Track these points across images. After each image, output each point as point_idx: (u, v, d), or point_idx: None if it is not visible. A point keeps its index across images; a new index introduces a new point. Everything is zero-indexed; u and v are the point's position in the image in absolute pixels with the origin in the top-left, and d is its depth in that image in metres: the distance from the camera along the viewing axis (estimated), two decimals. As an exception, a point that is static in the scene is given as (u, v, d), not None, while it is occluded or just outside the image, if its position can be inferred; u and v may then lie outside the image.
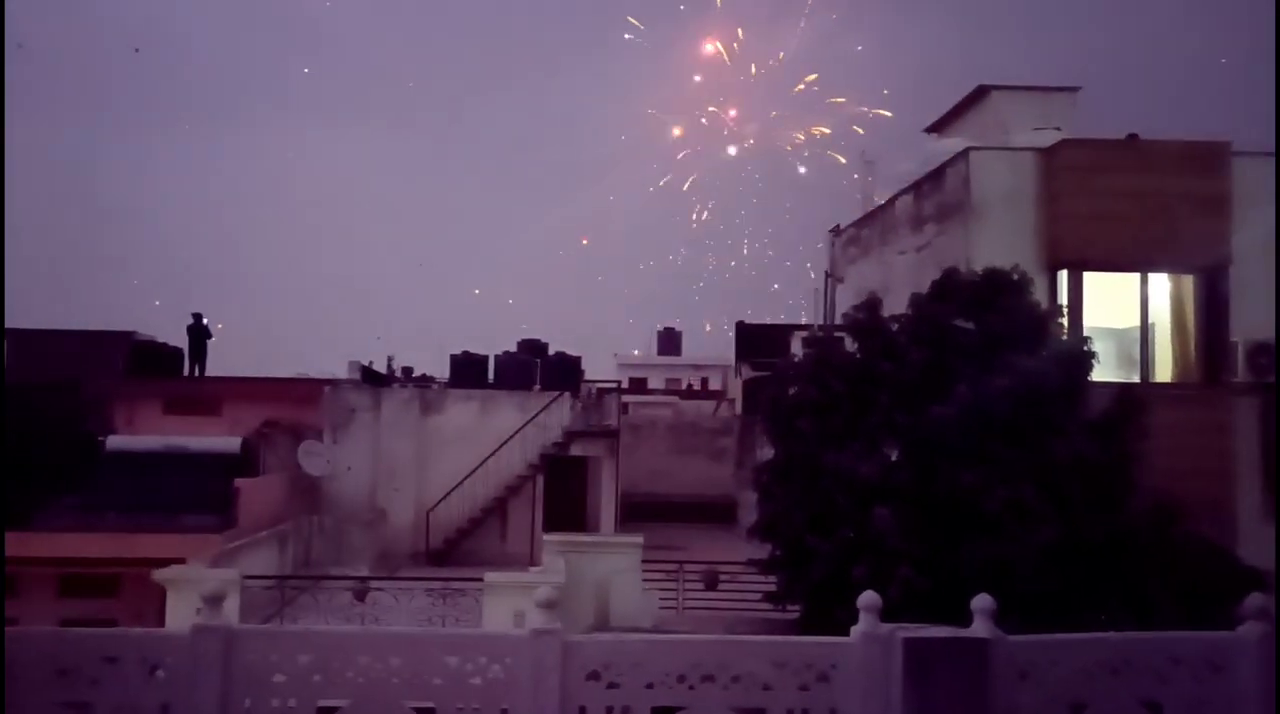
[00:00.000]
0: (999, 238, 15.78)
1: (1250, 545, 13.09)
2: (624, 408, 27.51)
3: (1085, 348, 12.74)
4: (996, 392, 11.55)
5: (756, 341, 30.87)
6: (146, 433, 21.67)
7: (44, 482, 19.23)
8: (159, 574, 13.82)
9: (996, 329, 12.50)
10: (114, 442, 20.56)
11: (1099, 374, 13.02)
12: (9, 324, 28.09)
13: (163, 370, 25.62)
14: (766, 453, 14.36)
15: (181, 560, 14.38)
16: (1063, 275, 15.83)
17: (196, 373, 25.97)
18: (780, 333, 25.78)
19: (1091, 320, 15.47)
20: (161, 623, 13.46)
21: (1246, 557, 12.11)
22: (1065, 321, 14.18)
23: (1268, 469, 14.98)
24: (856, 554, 11.49)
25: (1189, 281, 16.20)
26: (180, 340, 26.37)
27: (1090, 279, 15.90)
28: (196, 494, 18.14)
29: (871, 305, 13.59)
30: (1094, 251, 15.74)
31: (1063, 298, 15.54)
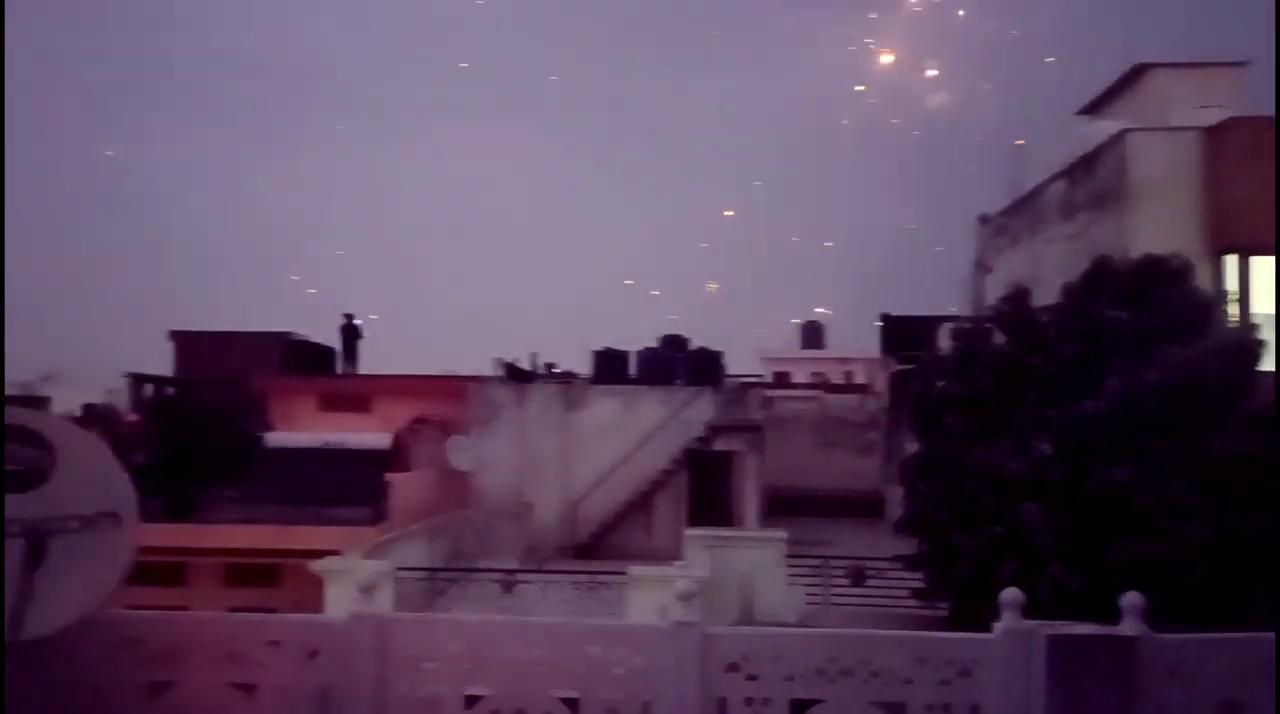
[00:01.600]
0: (1158, 224, 15.04)
1: None
2: (767, 402, 27.40)
3: (1253, 336, 12.04)
4: (1151, 386, 11.06)
5: (903, 334, 30.21)
6: (303, 429, 22.74)
7: (208, 476, 20.45)
8: (316, 565, 14.39)
9: (1152, 321, 11.94)
10: (273, 438, 21.69)
11: (1270, 364, 12.28)
12: (175, 326, 29.86)
13: (317, 369, 26.84)
14: (913, 447, 14.10)
15: (337, 552, 14.97)
16: (1229, 261, 14.97)
17: (349, 371, 27.12)
18: (927, 325, 25.16)
19: (1262, 307, 14.58)
20: (318, 611, 14.07)
21: None
22: (1231, 309, 13.41)
23: None
24: (1004, 551, 11.23)
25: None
26: (333, 340, 27.57)
27: (1260, 263, 14.99)
28: (350, 488, 18.97)
29: (1019, 297, 13.19)
30: (1264, 234, 14.81)
31: (1230, 284, 14.70)
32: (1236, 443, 10.93)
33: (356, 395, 24.90)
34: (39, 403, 22.40)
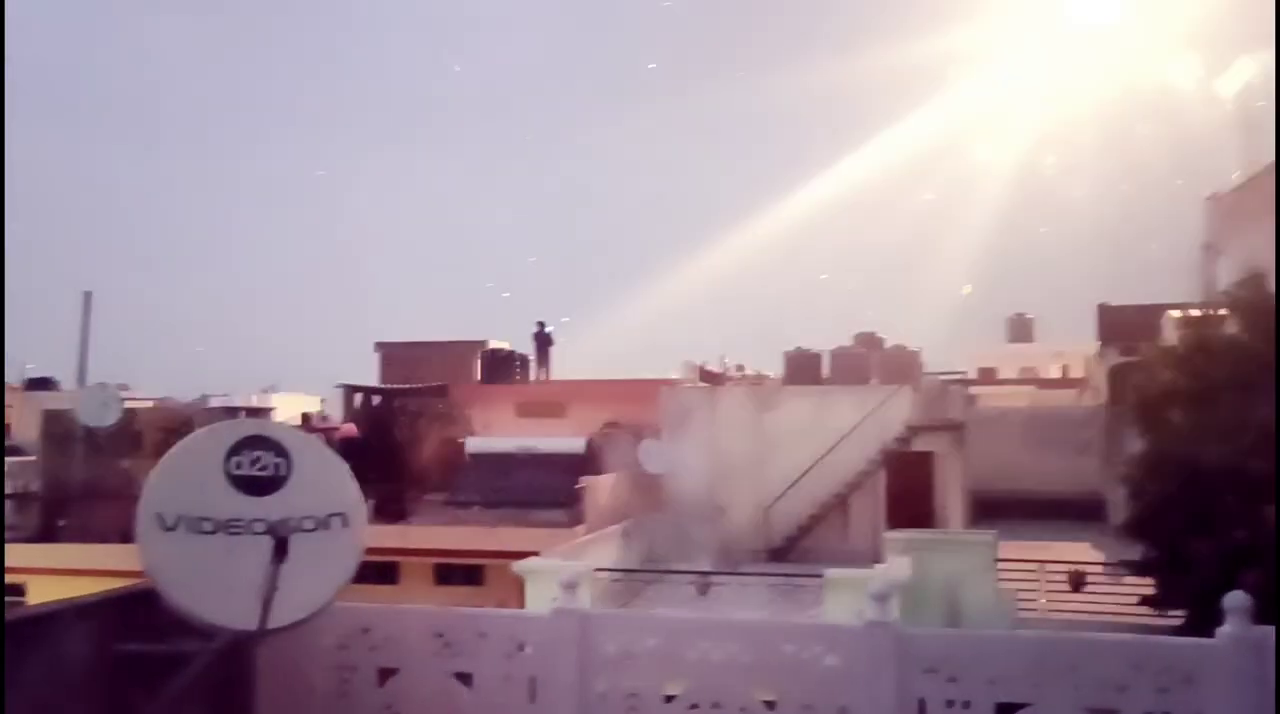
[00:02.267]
0: None
1: None
2: (971, 399, 26.35)
3: None
4: None
5: (1122, 324, 28.49)
6: (501, 434, 23.47)
7: (416, 480, 21.40)
8: (517, 566, 14.69)
9: None
10: (473, 443, 22.48)
11: None
12: (385, 337, 31.40)
13: (513, 376, 27.70)
14: (1136, 446, 13.18)
15: (536, 553, 15.28)
16: None
17: (543, 377, 27.84)
18: (1149, 313, 23.56)
19: None
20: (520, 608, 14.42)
21: None
22: None
23: None
24: (1246, 558, 10.29)
25: None
26: (527, 347, 28.38)
27: None
28: (547, 491, 19.42)
29: (1258, 279, 12.12)
30: None
31: None
32: None
33: (551, 401, 25.52)
34: (261, 414, 24.03)
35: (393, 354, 32.04)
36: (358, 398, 30.38)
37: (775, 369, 25.67)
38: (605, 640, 6.06)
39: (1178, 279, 21.82)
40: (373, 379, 31.78)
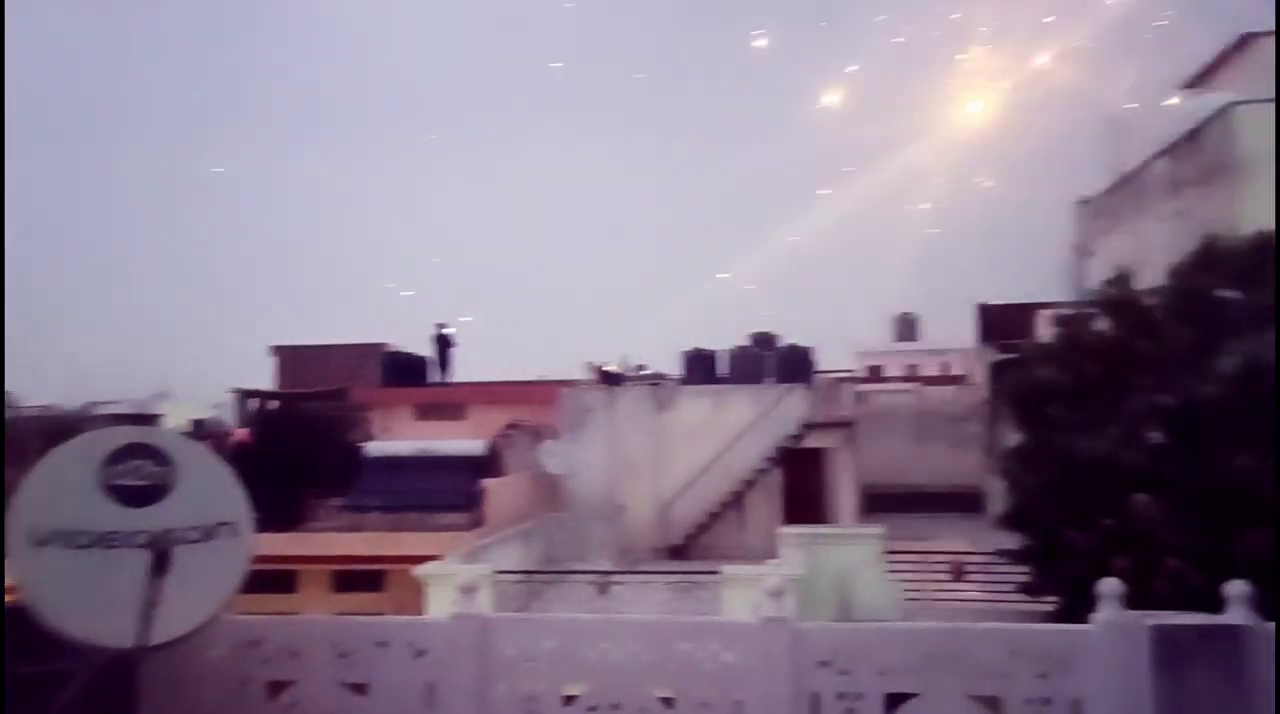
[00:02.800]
0: (1269, 198, 14.34)
1: None
2: (860, 397, 27.01)
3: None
4: (1270, 366, 10.55)
5: (1000, 323, 29.54)
6: (401, 438, 23.17)
7: (314, 485, 20.99)
8: (419, 570, 14.67)
9: (1268, 299, 11.41)
10: (373, 447, 22.16)
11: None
12: (282, 342, 30.71)
13: (413, 378, 27.37)
14: (1014, 439, 13.73)
15: (437, 557, 15.21)
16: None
17: (443, 380, 27.58)
18: (1025, 313, 24.51)
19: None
20: (420, 614, 14.31)
21: None
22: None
23: None
24: (1118, 546, 10.81)
25: None
26: (428, 349, 28.05)
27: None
28: (448, 494, 19.26)
29: (1125, 279, 12.74)
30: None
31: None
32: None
33: (451, 403, 25.34)
34: (150, 420, 23.24)
35: (289, 357, 31.38)
36: (253, 403, 29.65)
37: (674, 369, 25.88)
38: (505, 644, 6.08)
39: (1051, 279, 22.76)
40: (269, 383, 31.05)
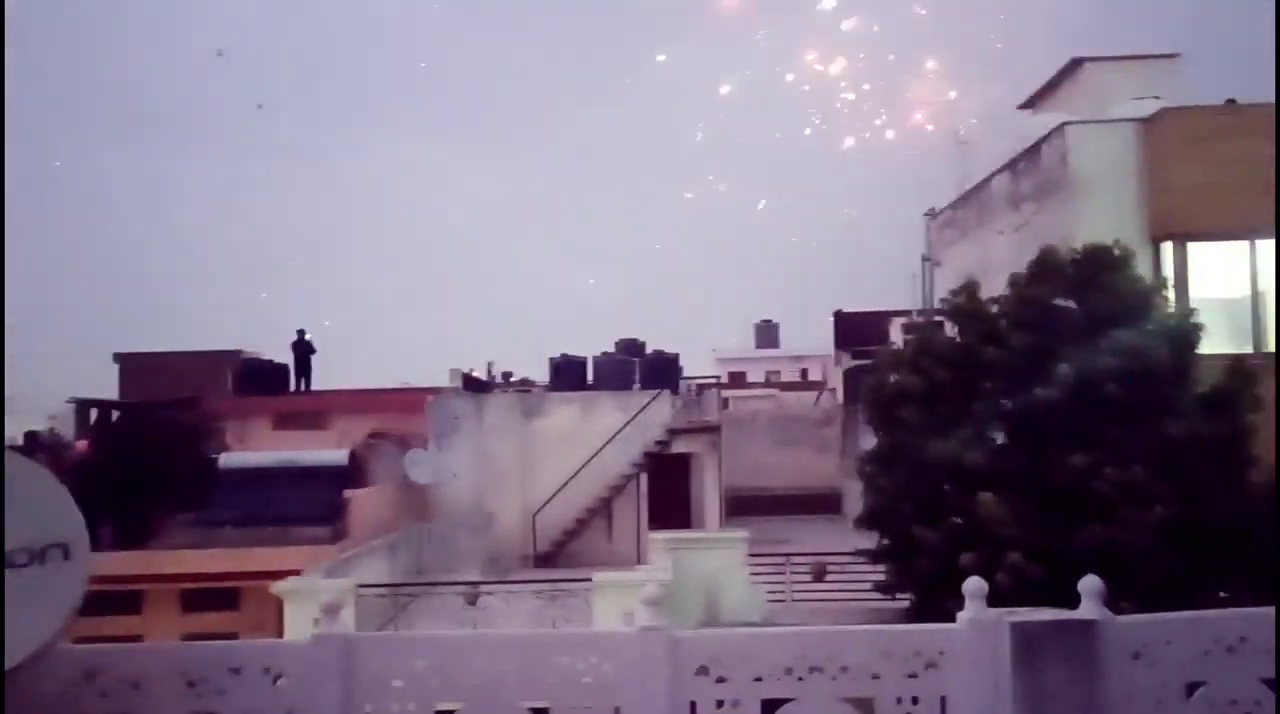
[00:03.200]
0: (1100, 213, 15.30)
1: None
2: (724, 403, 27.53)
3: (1192, 321, 12.35)
4: (1103, 371, 11.28)
5: (855, 330, 30.57)
6: (258, 449, 22.44)
7: (163, 500, 20.10)
8: (277, 587, 14.23)
9: (1100, 307, 12.20)
10: (227, 459, 21.37)
11: (1210, 346, 12.58)
12: (125, 348, 29.31)
13: (270, 387, 26.49)
14: (870, 442, 14.23)
15: (297, 572, 14.80)
16: (1167, 247, 15.28)
17: (303, 388, 26.80)
18: (879, 320, 25.48)
19: (1199, 292, 14.89)
20: (280, 634, 13.90)
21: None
22: (1171, 295, 13.71)
23: None
24: (965, 543, 11.34)
25: (1299, 248, 15.46)
26: (286, 356, 27.22)
27: (1196, 249, 15.33)
28: (308, 507, 18.73)
29: (971, 289, 13.36)
30: (1200, 222, 15.14)
31: (1168, 270, 14.99)
32: (1190, 426, 11.13)
33: (312, 412, 24.65)
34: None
35: (135, 366, 29.90)
36: (94, 414, 28.16)
37: (541, 376, 25.85)
38: (371, 664, 5.86)
39: (902, 288, 23.69)
40: (113, 393, 29.55)
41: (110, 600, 15.15)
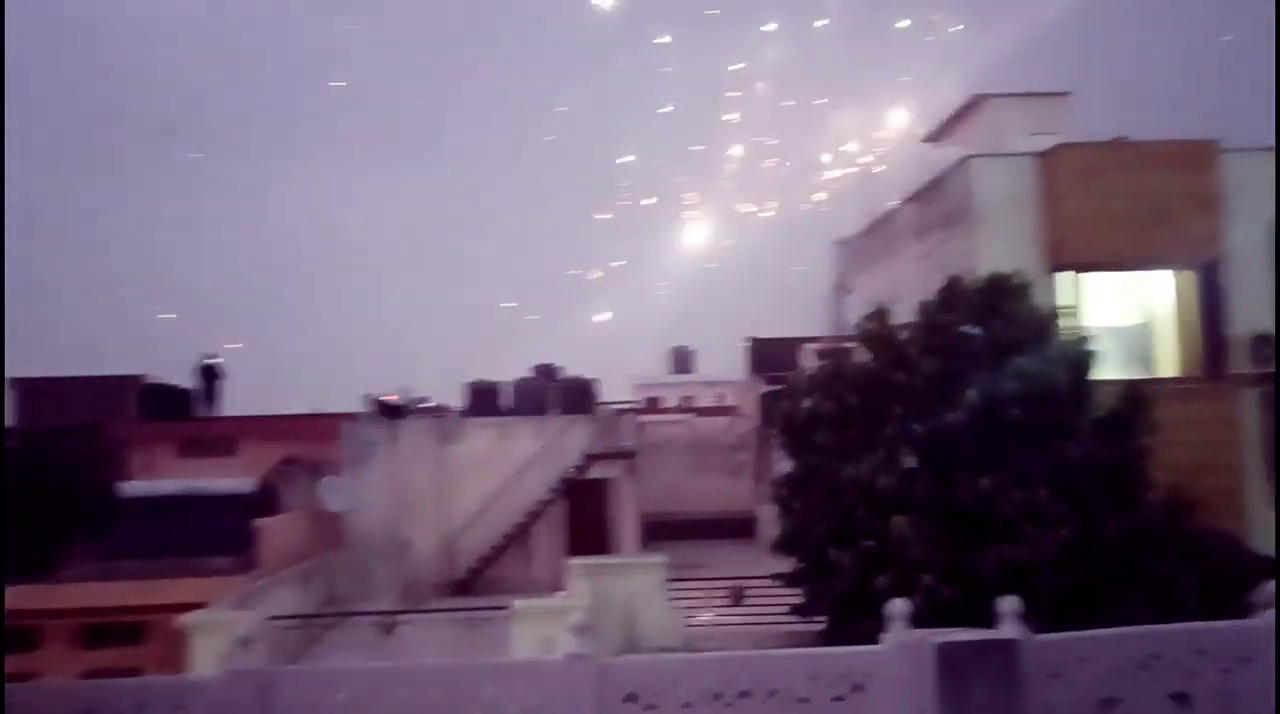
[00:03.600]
0: (1002, 242, 15.90)
1: (1260, 534, 13.18)
2: (640, 428, 27.62)
3: (1089, 347, 12.90)
4: (1006, 395, 11.67)
5: (768, 356, 30.98)
6: (163, 477, 21.78)
7: (63, 531, 19.38)
8: (183, 620, 13.85)
9: (1002, 334, 12.63)
10: (130, 487, 20.71)
11: (1106, 372, 13.15)
12: (18, 374, 28.20)
13: (175, 413, 25.74)
14: (784, 467, 14.45)
15: (204, 605, 14.44)
16: (1064, 277, 15.94)
17: (210, 413, 26.11)
18: (791, 346, 25.86)
19: (1095, 319, 15.59)
20: (187, 669, 13.51)
21: (1257, 545, 12.18)
22: (1068, 322, 14.30)
23: (1272, 458, 15.08)
24: (879, 565, 11.57)
25: (1187, 277, 16.30)
26: (192, 381, 26.48)
27: (1091, 279, 16.03)
28: (216, 536, 18.25)
29: (881, 315, 13.71)
30: (1094, 252, 15.86)
31: (1065, 299, 15.63)
32: (1088, 448, 11.58)
33: (220, 438, 23.97)
34: None
35: (30, 391, 28.75)
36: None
37: (457, 401, 25.62)
38: (288, 698, 5.77)
39: (814, 315, 24.18)
40: (6, 421, 28.36)
41: (5, 636, 14.55)
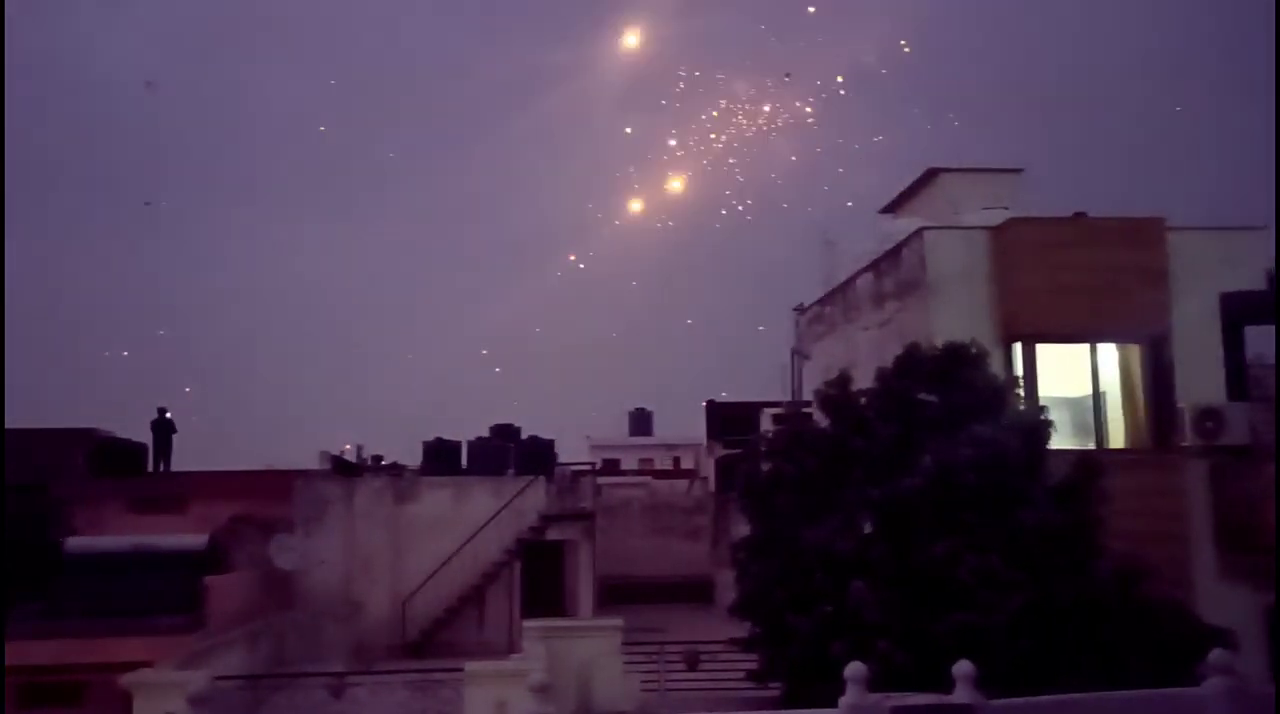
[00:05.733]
0: (956, 313, 16.22)
1: (1207, 603, 13.39)
2: (598, 490, 27.57)
3: (1042, 417, 13.17)
4: (961, 462, 11.87)
5: (727, 419, 31.19)
6: (111, 533, 21.35)
7: (3, 589, 18.88)
8: (126, 679, 13.56)
9: (958, 401, 12.88)
10: (76, 543, 20.26)
11: (1057, 442, 13.40)
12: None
13: (126, 468, 25.31)
14: (742, 530, 14.50)
15: (149, 664, 14.13)
16: (1017, 347, 16.27)
17: (162, 469, 25.71)
18: (750, 410, 26.10)
19: (1047, 390, 15.89)
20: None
21: (1204, 615, 12.38)
22: (1022, 392, 14.60)
23: (1219, 529, 15.39)
24: (836, 630, 11.60)
25: (1135, 351, 16.70)
26: (144, 436, 26.12)
27: (1043, 350, 16.37)
28: (163, 595, 17.89)
29: (843, 381, 13.92)
30: (1045, 324, 16.22)
31: (1019, 369, 15.95)
32: (1041, 516, 11.78)
33: (171, 495, 23.58)
34: None
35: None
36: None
37: (414, 459, 25.48)
38: None
39: (772, 380, 24.43)
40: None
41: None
